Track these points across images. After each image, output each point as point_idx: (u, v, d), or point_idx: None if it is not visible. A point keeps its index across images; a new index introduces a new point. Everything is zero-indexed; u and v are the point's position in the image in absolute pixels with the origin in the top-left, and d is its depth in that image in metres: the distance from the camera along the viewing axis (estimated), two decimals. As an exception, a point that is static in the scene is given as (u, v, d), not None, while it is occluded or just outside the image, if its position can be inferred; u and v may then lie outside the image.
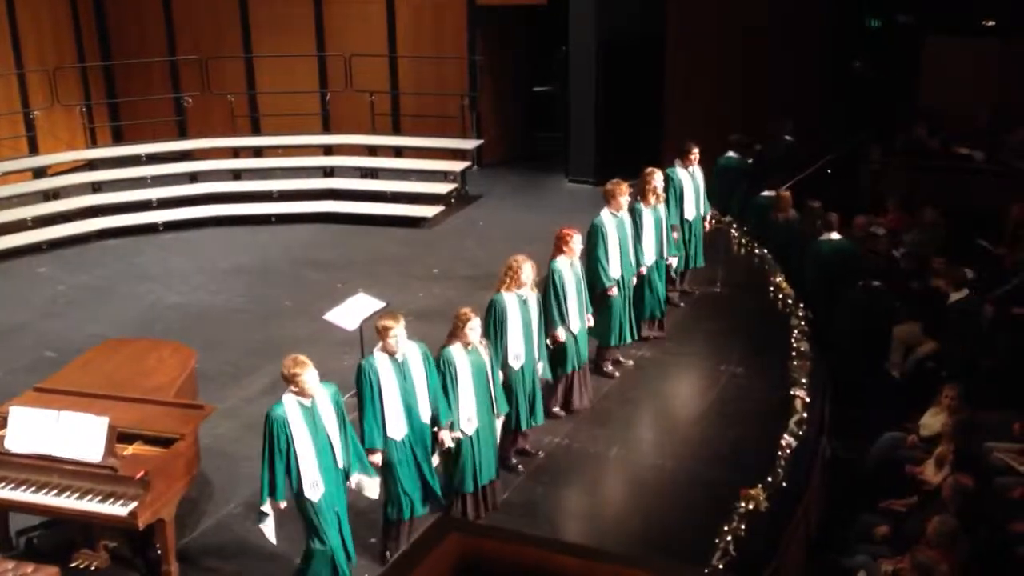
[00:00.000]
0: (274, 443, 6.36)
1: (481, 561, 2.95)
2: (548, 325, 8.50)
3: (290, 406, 6.40)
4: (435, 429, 7.11)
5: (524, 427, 8.21)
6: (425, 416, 7.04)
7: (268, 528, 6.59)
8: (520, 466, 8.23)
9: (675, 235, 10.72)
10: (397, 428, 6.92)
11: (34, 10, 16.25)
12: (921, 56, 14.64)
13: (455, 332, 7.22)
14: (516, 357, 7.94)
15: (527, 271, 7.96)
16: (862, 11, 15.47)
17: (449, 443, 7.15)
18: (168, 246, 14.00)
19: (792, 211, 11.91)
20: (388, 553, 7.13)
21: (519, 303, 7.94)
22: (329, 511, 6.53)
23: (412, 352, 7.01)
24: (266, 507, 6.48)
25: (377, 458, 6.88)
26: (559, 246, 8.67)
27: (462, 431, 7.22)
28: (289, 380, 6.40)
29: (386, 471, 6.96)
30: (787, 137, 14.07)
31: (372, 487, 6.82)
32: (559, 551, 2.94)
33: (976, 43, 14.20)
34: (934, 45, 14.47)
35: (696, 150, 10.96)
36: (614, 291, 9.38)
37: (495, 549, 2.97)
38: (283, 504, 6.49)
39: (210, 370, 9.49)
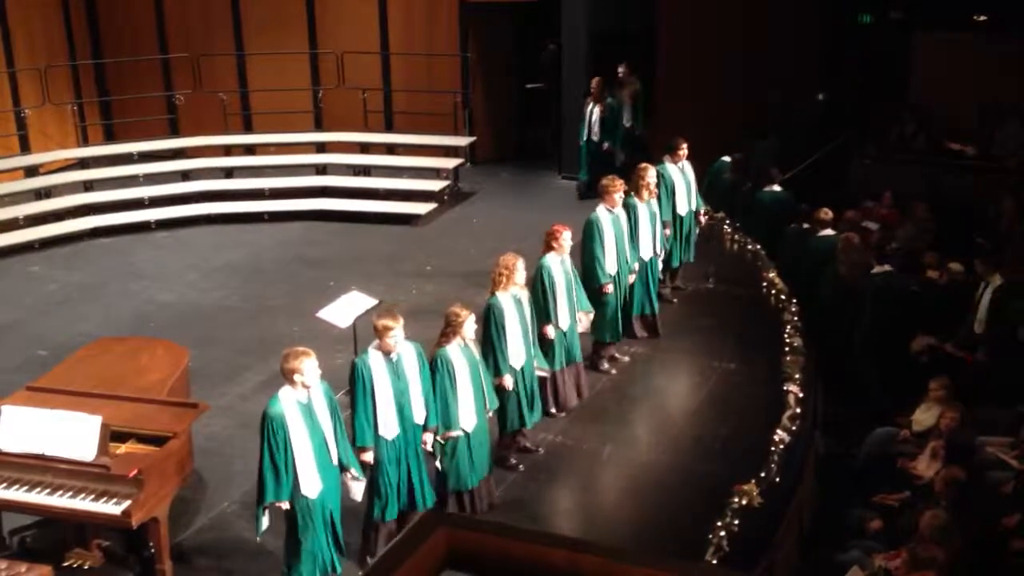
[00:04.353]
0: (273, 441, 6.31)
1: (470, 555, 2.96)
2: (538, 322, 8.51)
3: (287, 402, 6.37)
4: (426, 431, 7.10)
5: (528, 425, 8.22)
6: (419, 417, 7.02)
7: (262, 527, 6.56)
8: (520, 465, 8.24)
9: (667, 231, 10.75)
10: (389, 427, 6.89)
11: (24, 8, 16.18)
12: (912, 52, 14.67)
13: (452, 331, 7.18)
14: (517, 357, 7.95)
15: (521, 270, 7.98)
16: (855, 7, 15.48)
17: (430, 447, 7.13)
18: (160, 244, 13.97)
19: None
20: (368, 557, 7.04)
21: (515, 303, 7.95)
22: (323, 509, 6.52)
23: (407, 352, 6.98)
24: (266, 510, 6.45)
25: (368, 456, 6.86)
26: (549, 243, 8.68)
27: (463, 429, 7.21)
28: (290, 372, 6.35)
29: (375, 470, 6.93)
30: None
31: (357, 490, 6.80)
32: (547, 544, 2.96)
33: (967, 38, 14.23)
34: (925, 41, 14.50)
35: (685, 146, 10.98)
36: (610, 288, 9.39)
37: (483, 542, 2.98)
38: (285, 505, 6.44)
39: (203, 368, 9.48)
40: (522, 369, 8.01)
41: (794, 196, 12.47)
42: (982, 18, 14.48)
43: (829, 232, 11.20)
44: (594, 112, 14.57)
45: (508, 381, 7.88)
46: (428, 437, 7.12)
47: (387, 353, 6.88)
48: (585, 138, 14.77)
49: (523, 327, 8.00)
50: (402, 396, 6.90)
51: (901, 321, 10.19)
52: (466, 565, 2.94)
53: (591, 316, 9.04)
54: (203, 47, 16.85)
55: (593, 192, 14.25)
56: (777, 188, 12.47)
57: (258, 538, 6.68)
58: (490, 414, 7.60)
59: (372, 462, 6.88)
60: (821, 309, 10.61)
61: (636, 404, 9.29)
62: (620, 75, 15.05)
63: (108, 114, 17.46)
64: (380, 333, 6.84)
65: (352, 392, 6.90)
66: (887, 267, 10.46)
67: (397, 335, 6.85)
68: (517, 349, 7.94)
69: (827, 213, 11.24)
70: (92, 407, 6.91)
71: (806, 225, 11.76)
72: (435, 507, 7.15)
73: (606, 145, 14.61)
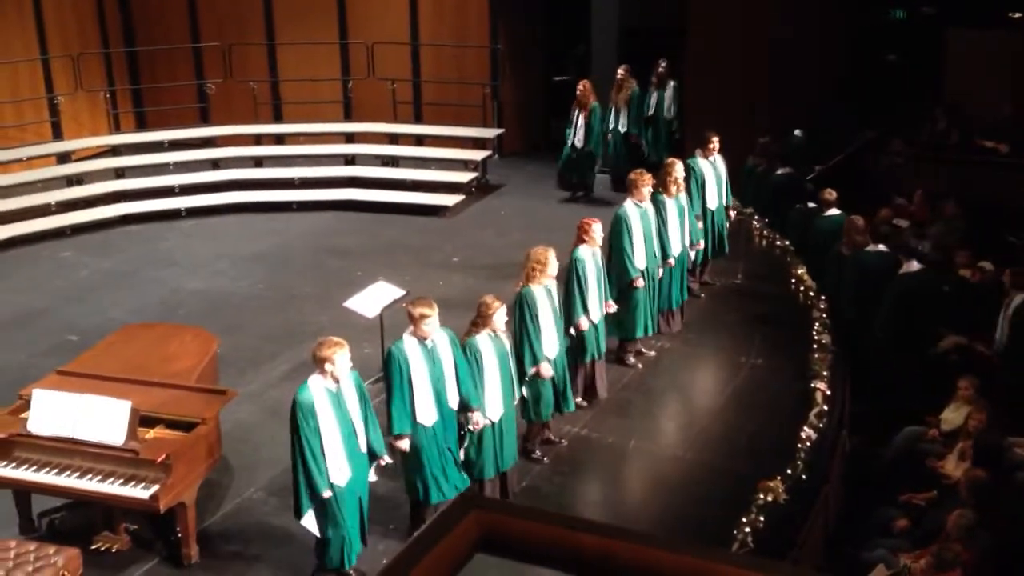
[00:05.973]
0: (307, 429, 6.36)
1: (502, 538, 2.95)
2: (570, 315, 8.51)
3: (316, 390, 6.41)
4: (468, 414, 7.13)
5: (563, 412, 8.25)
6: (453, 402, 7.06)
7: (310, 521, 6.60)
8: (545, 457, 8.24)
9: (699, 224, 10.72)
10: (427, 414, 6.93)
11: (58, -4, 16.34)
12: (945, 48, 14.53)
13: (482, 321, 7.23)
14: (550, 347, 7.96)
15: (554, 263, 7.99)
16: (887, 2, 15.36)
17: (483, 422, 7.15)
18: (190, 232, 14.06)
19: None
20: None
21: (547, 294, 7.96)
22: (352, 497, 6.58)
23: (441, 339, 7.03)
24: (308, 501, 6.49)
25: (404, 443, 6.90)
26: (580, 235, 8.68)
27: (488, 418, 7.24)
28: (322, 361, 6.40)
29: (414, 456, 6.97)
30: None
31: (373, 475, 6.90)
32: (580, 529, 2.95)
33: (1000, 35, 14.08)
34: (958, 37, 14.36)
35: (716, 140, 10.95)
36: (640, 282, 9.37)
37: (516, 527, 2.98)
38: (327, 493, 6.47)
39: (231, 355, 9.55)
40: (555, 359, 8.02)
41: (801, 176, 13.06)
42: (1016, 15, 14.33)
43: (835, 212, 11.33)
44: (579, 118, 14.17)
45: (546, 368, 7.89)
46: (477, 416, 7.14)
47: (422, 340, 6.92)
48: (570, 143, 14.36)
49: (555, 317, 8.04)
50: (439, 382, 6.95)
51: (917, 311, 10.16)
52: (499, 549, 2.94)
53: (612, 308, 8.97)
54: (235, 36, 16.93)
55: (584, 193, 14.38)
56: (789, 169, 12.91)
57: (317, 532, 6.66)
58: (516, 402, 7.62)
59: (407, 449, 6.91)
60: (829, 289, 10.71)
61: (662, 399, 9.28)
62: (618, 77, 14.57)
63: (140, 102, 17.58)
64: (417, 321, 6.88)
65: (388, 380, 6.93)
66: (881, 247, 10.39)
67: (434, 322, 6.91)
68: (551, 338, 7.95)
69: (831, 193, 11.43)
70: (122, 392, 6.98)
71: (812, 205, 12.07)
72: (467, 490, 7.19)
73: (587, 149, 14.28)
